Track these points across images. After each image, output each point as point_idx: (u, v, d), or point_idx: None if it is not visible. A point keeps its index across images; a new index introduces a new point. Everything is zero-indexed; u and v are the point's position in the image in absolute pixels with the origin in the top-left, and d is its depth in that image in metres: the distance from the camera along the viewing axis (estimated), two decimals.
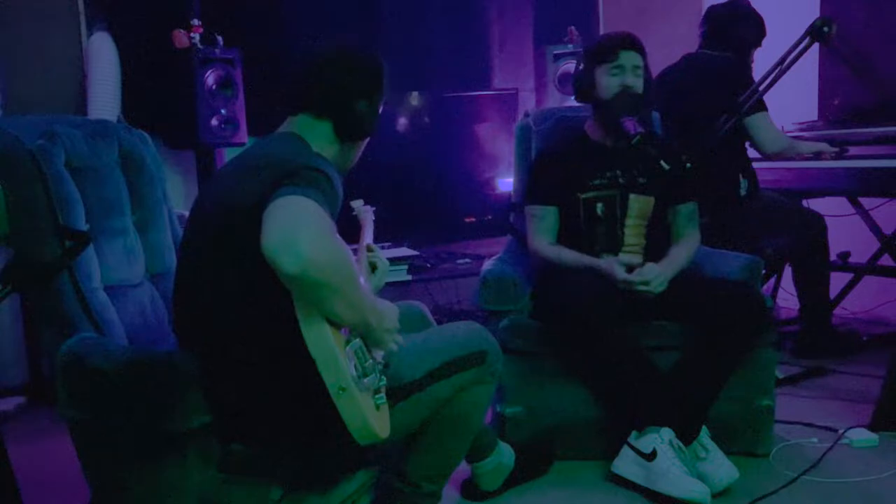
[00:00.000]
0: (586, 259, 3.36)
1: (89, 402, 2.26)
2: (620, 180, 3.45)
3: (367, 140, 2.52)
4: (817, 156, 4.31)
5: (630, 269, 3.28)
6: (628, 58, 3.38)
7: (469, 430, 2.60)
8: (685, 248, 3.46)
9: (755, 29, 4.37)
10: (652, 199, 3.46)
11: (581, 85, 3.50)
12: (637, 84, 3.39)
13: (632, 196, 3.44)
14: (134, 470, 2.24)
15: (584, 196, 3.45)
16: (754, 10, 4.42)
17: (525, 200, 3.62)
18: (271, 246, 1.86)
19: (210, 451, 2.21)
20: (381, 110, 2.50)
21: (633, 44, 3.41)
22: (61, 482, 3.11)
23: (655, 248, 3.45)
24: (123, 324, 2.54)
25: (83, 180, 2.55)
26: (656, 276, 3.23)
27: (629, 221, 3.45)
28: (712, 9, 4.47)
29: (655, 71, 4.27)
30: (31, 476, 2.83)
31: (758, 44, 4.39)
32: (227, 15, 4.75)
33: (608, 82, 3.40)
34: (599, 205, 3.44)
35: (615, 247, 3.43)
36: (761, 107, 4.10)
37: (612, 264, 3.27)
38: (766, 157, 4.26)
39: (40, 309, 2.44)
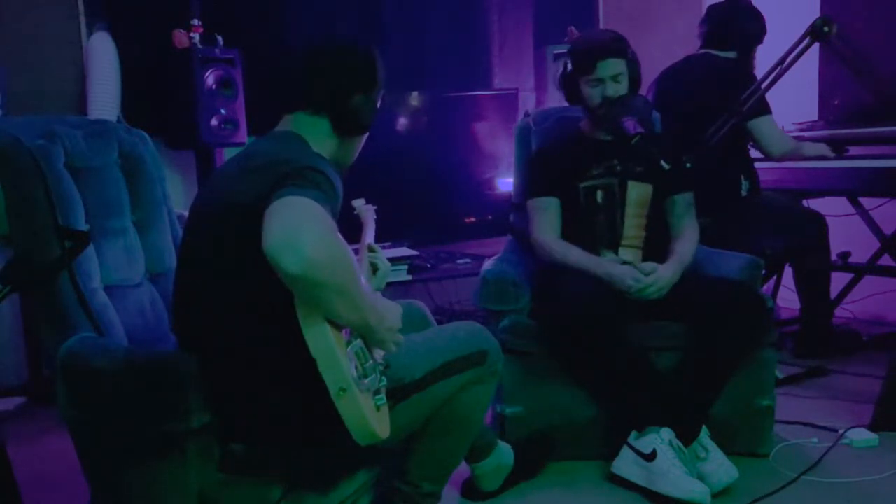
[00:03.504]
0: (593, 263, 3.33)
1: (89, 402, 2.25)
2: (618, 168, 3.46)
3: (367, 135, 2.50)
4: (819, 157, 4.31)
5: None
6: (606, 68, 3.37)
7: (469, 429, 2.60)
8: (688, 243, 3.43)
9: (756, 26, 4.37)
10: (650, 187, 3.46)
11: (568, 91, 3.55)
12: (619, 89, 3.40)
13: (630, 183, 3.45)
14: (134, 470, 2.23)
15: (583, 185, 3.46)
16: (754, 7, 4.43)
17: (526, 195, 3.62)
18: (273, 246, 1.87)
19: (210, 451, 2.20)
20: (378, 103, 2.48)
21: (609, 51, 3.39)
22: (61, 482, 3.11)
23: (655, 243, 3.46)
24: (123, 324, 2.53)
25: (83, 180, 2.54)
26: (660, 279, 3.23)
27: (629, 210, 3.44)
28: (713, 7, 4.46)
29: (656, 70, 4.38)
30: (31, 476, 2.84)
31: (759, 41, 4.39)
32: (227, 15, 4.74)
33: (589, 93, 3.43)
34: (599, 192, 3.45)
35: (615, 239, 3.43)
36: (765, 110, 4.10)
37: (624, 275, 3.24)
38: (770, 159, 4.26)
39: (40, 309, 2.42)
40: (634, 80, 3.45)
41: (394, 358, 2.27)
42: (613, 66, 3.37)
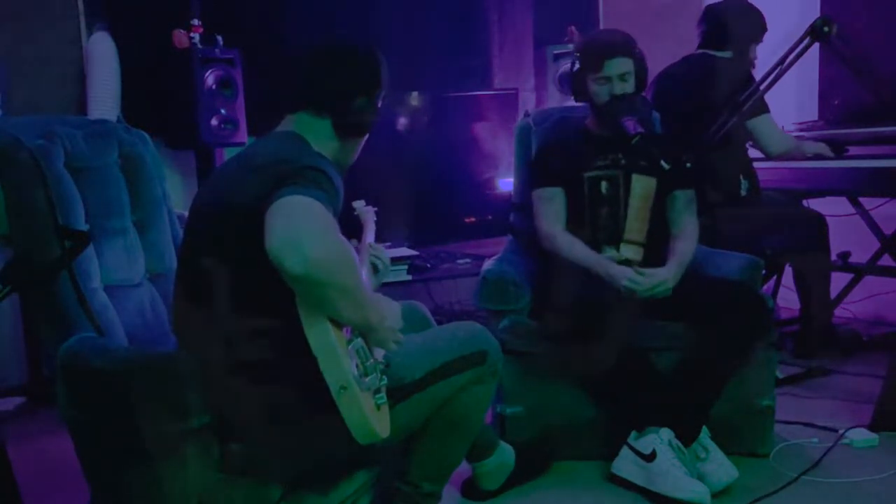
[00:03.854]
0: (593, 261, 3.30)
1: (89, 402, 2.26)
2: (623, 161, 3.42)
3: (367, 136, 2.50)
4: (819, 156, 4.29)
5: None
6: (613, 66, 3.34)
7: (469, 429, 2.60)
8: (688, 241, 3.38)
9: (754, 24, 4.30)
10: (654, 181, 3.41)
11: (576, 87, 3.50)
12: (626, 88, 3.36)
13: (634, 176, 3.40)
14: (134, 470, 2.23)
15: (588, 175, 3.43)
16: (752, 5, 4.38)
17: (532, 186, 3.58)
18: (276, 247, 1.89)
19: (210, 451, 2.20)
20: (380, 105, 2.48)
21: (618, 50, 3.36)
22: (61, 482, 3.11)
23: (656, 240, 3.41)
24: (123, 324, 2.54)
25: (83, 180, 2.56)
26: (662, 281, 3.18)
27: (633, 202, 3.40)
28: (710, 7, 4.43)
29: (656, 70, 4.30)
30: (31, 476, 2.83)
31: (758, 39, 4.33)
32: (227, 15, 4.72)
33: (597, 91, 3.38)
34: (604, 183, 3.42)
35: (618, 233, 3.39)
36: (764, 109, 4.07)
37: (622, 275, 3.19)
38: (770, 158, 4.24)
39: (40, 309, 2.43)
40: (641, 80, 3.41)
41: (394, 357, 2.27)
42: (621, 65, 3.34)
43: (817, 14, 3.98)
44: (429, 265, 4.85)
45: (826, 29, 3.51)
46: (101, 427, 2.27)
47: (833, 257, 4.63)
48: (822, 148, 4.30)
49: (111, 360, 2.25)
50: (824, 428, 3.50)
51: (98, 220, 2.60)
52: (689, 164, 3.26)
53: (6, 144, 2.39)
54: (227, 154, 4.52)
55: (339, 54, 2.41)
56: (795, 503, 2.95)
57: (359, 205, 2.84)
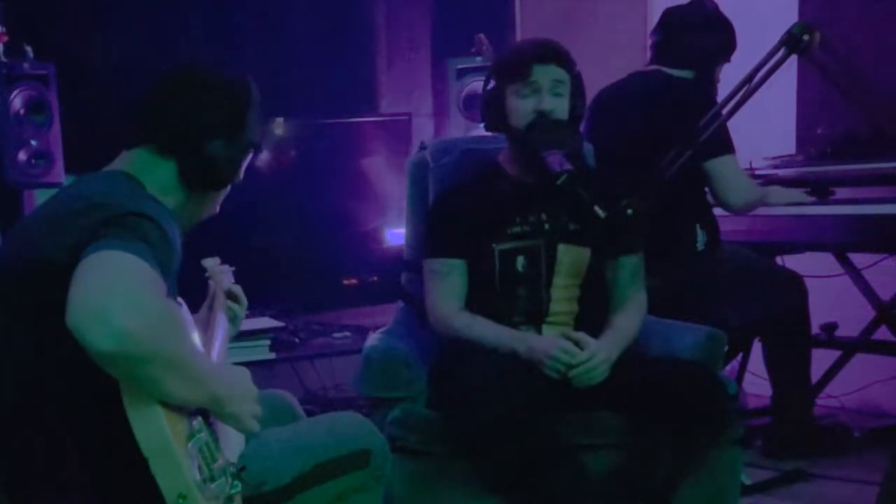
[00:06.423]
0: (507, 336, 2.91)
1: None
2: (546, 226, 3.00)
3: (226, 190, 2.28)
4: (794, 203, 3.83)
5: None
6: (545, 73, 2.93)
7: None
8: (631, 317, 3.01)
9: (722, 39, 3.76)
10: (587, 251, 3.00)
11: (490, 110, 3.07)
12: (558, 106, 2.95)
13: (561, 247, 2.99)
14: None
15: (500, 247, 3.00)
16: (722, 15, 3.81)
17: (423, 253, 3.17)
18: (76, 317, 1.66)
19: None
20: (248, 154, 2.24)
21: (551, 54, 2.96)
22: None
23: (590, 317, 3.01)
24: None
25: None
26: (600, 359, 2.79)
27: (557, 280, 2.99)
28: (669, 12, 3.86)
29: (590, 91, 3.71)
30: None
31: (725, 58, 3.78)
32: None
33: (521, 106, 2.96)
34: (520, 258, 3.00)
35: (539, 315, 2.98)
36: (726, 148, 3.59)
37: (551, 347, 2.79)
38: (730, 211, 3.76)
39: None
40: (576, 108, 3.02)
41: (253, 458, 2.08)
42: (555, 72, 2.94)
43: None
44: (297, 340, 4.42)
45: (806, 37, 3.14)
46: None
47: (815, 330, 4.11)
48: (797, 195, 3.85)
49: None
50: None
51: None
52: (630, 211, 2.77)
53: None
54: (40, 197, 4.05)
55: (198, 82, 2.18)
56: None
57: (211, 263, 2.57)
